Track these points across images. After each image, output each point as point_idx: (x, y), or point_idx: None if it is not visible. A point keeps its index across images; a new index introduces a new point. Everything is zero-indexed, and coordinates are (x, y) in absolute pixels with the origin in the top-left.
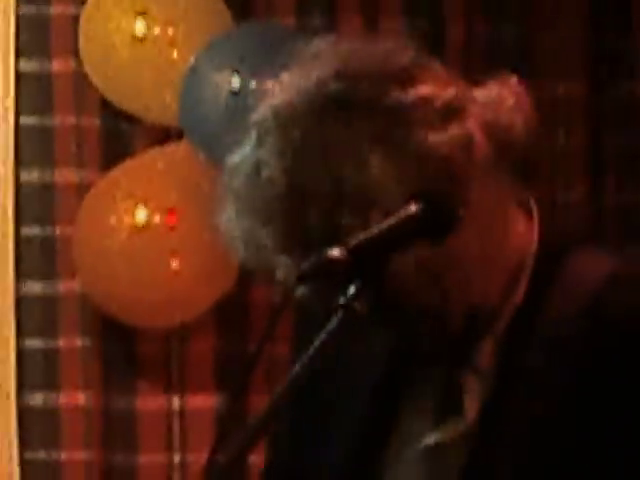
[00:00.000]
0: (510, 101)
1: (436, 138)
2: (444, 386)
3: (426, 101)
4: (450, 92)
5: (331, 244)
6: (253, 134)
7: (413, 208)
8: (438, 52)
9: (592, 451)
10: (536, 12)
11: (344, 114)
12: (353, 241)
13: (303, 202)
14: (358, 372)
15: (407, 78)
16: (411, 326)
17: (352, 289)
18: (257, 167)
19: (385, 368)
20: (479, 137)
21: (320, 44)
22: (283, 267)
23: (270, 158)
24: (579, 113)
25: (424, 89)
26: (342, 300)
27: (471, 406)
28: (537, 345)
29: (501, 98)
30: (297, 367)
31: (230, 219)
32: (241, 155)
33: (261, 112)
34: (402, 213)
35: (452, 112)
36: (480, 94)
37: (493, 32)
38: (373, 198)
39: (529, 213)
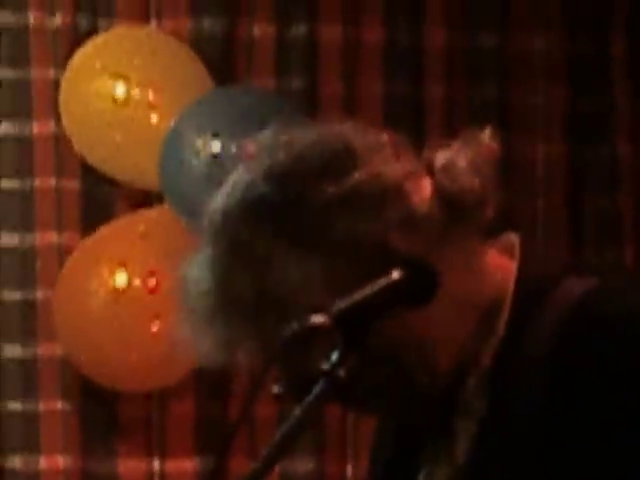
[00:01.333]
0: (466, 161)
1: (370, 226)
2: (439, 435)
3: (359, 189)
4: (390, 172)
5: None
6: (201, 240)
7: (396, 275)
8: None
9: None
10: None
11: (269, 217)
12: (336, 307)
13: (235, 311)
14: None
15: (341, 167)
16: (395, 401)
17: (335, 355)
18: (196, 279)
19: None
20: (428, 207)
21: (262, 138)
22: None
23: (204, 268)
24: (559, 172)
25: (358, 176)
26: (325, 366)
27: (461, 447)
28: (519, 377)
29: (457, 159)
30: (282, 430)
31: (187, 327)
32: (191, 264)
33: (205, 219)
34: (385, 280)
35: (389, 194)
36: (439, 158)
37: (473, 91)
38: (299, 302)
39: (511, 251)
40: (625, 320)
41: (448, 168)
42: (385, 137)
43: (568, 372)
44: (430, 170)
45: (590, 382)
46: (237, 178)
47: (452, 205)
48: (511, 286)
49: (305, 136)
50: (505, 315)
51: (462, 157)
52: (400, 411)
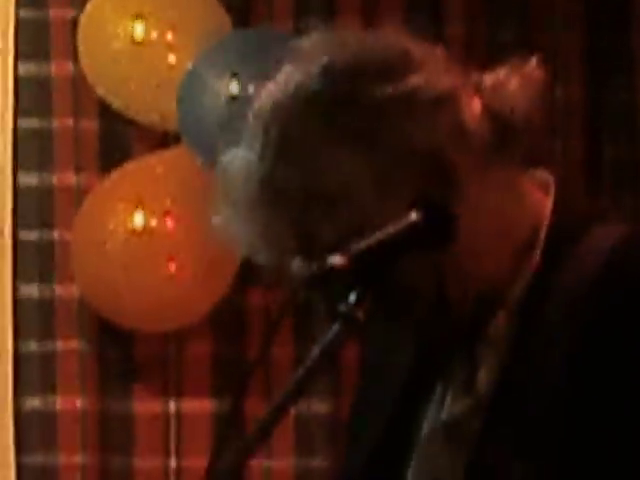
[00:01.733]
0: (516, 85)
1: (422, 132)
2: (462, 362)
3: (415, 93)
4: (445, 81)
5: (310, 245)
6: (244, 135)
7: (414, 216)
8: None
9: (603, 421)
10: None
11: (326, 111)
12: (354, 249)
13: (281, 202)
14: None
15: (398, 69)
16: (423, 319)
17: (353, 297)
18: (244, 168)
19: (413, 358)
20: (478, 124)
21: (313, 38)
22: (284, 263)
23: (255, 158)
24: (577, 116)
25: (415, 80)
26: (343, 308)
27: (485, 379)
28: (551, 313)
29: (507, 82)
30: (297, 373)
31: (225, 219)
32: (231, 156)
33: (250, 112)
34: (403, 222)
35: (443, 102)
36: (488, 79)
37: (493, 32)
38: (346, 201)
39: (545, 188)
40: None
41: (498, 89)
42: (439, 50)
43: (608, 314)
44: (479, 90)
45: (630, 326)
46: (288, 75)
47: (500, 126)
48: (546, 221)
49: (361, 38)
50: (540, 249)
51: (511, 81)
52: (427, 331)
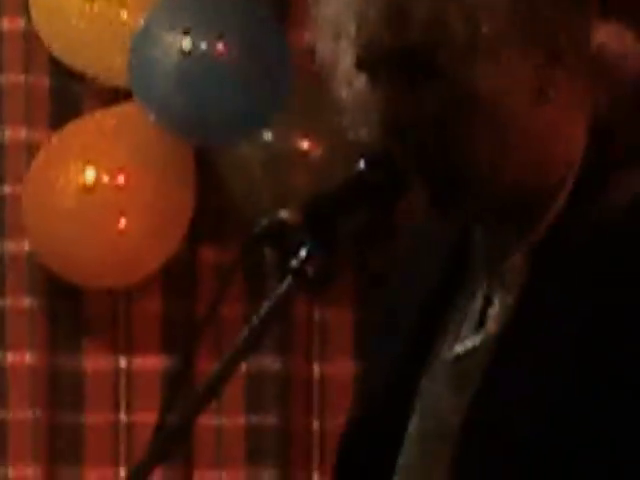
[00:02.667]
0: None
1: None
2: (481, 303)
3: None
4: None
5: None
6: None
7: (361, 165)
8: None
9: (614, 373)
10: None
11: None
12: (304, 202)
13: None
14: (414, 287)
15: None
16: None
17: (303, 252)
18: None
19: (436, 285)
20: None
21: None
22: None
23: None
24: None
25: None
26: (293, 263)
27: (497, 317)
28: (568, 262)
29: None
30: (247, 329)
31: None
32: None
33: None
34: (351, 173)
35: None
36: None
37: None
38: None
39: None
40: None
41: None
42: None
43: (627, 266)
44: None
45: None
46: None
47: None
48: (578, 163)
49: None
50: (566, 192)
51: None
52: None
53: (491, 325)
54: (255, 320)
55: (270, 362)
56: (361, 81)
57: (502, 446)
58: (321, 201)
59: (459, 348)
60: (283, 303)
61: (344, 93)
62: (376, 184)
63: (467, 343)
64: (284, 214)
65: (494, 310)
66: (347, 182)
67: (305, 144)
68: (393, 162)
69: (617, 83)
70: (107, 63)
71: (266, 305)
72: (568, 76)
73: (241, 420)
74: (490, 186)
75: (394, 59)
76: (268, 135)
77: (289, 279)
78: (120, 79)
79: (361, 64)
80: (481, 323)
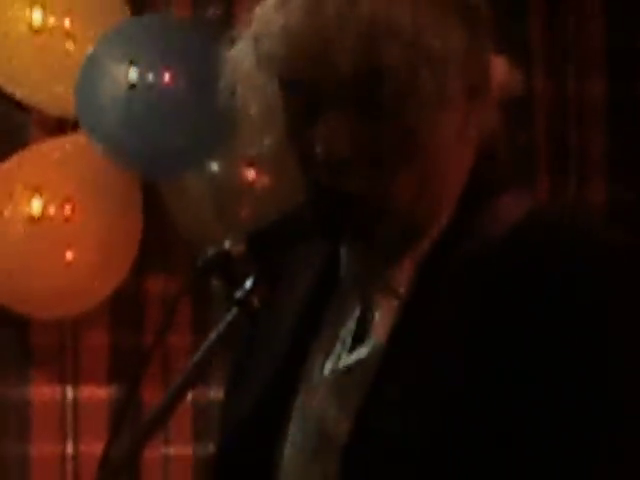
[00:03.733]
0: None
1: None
2: (358, 314)
3: None
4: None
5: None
6: None
7: (306, 199)
8: None
9: (492, 378)
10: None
11: None
12: (248, 233)
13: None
14: (289, 297)
15: None
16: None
17: (248, 283)
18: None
19: (307, 299)
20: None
21: None
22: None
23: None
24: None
25: None
26: (238, 294)
27: (382, 327)
28: (453, 273)
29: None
30: (194, 359)
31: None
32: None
33: None
34: (296, 206)
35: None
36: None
37: None
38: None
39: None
40: (575, 240)
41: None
42: None
43: (506, 279)
44: None
45: (527, 292)
46: None
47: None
48: (463, 183)
49: None
50: (450, 211)
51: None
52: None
53: (377, 336)
54: (202, 350)
55: (216, 391)
56: (292, 111)
57: (391, 454)
58: (265, 232)
59: (345, 360)
60: (228, 333)
61: (266, 120)
62: (319, 216)
63: (352, 355)
64: (229, 245)
65: (378, 322)
66: (291, 214)
67: (251, 174)
68: (334, 197)
69: (497, 110)
70: (54, 94)
71: (212, 335)
72: (481, 111)
73: (189, 450)
74: (404, 215)
75: (339, 96)
76: (214, 166)
77: (235, 309)
78: (67, 110)
79: (299, 98)
80: (360, 336)
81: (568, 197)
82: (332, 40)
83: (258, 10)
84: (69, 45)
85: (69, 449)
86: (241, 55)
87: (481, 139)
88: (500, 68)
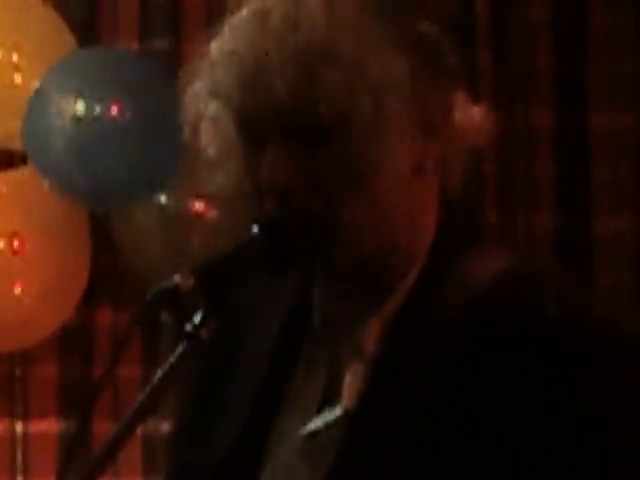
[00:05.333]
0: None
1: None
2: (327, 372)
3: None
4: None
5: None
6: None
7: (254, 231)
8: None
9: (461, 444)
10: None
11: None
12: (196, 267)
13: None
14: (250, 353)
15: None
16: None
17: (197, 317)
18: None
19: (276, 347)
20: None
21: None
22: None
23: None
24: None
25: None
26: (188, 328)
27: (352, 391)
28: (422, 333)
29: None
30: (144, 393)
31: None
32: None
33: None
34: (245, 239)
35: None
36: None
37: None
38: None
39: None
40: (563, 310)
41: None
42: None
43: (486, 340)
44: None
45: (501, 356)
46: None
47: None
48: (429, 241)
49: None
50: (417, 270)
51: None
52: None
53: (347, 400)
54: (151, 384)
55: (166, 424)
56: (237, 141)
57: None
58: (213, 266)
59: (314, 423)
60: (178, 367)
61: (216, 151)
62: (268, 249)
63: (322, 419)
64: (178, 279)
65: (347, 384)
66: (239, 247)
67: (200, 206)
68: (285, 229)
69: (464, 151)
70: (2, 127)
71: (162, 368)
72: (440, 148)
73: None
74: (360, 251)
75: (279, 122)
76: (162, 198)
77: (184, 343)
78: (15, 143)
79: (248, 129)
80: (329, 397)
81: (516, 227)
82: (271, 66)
83: (215, 38)
84: (17, 78)
85: None
86: (197, 87)
87: (448, 182)
88: (473, 115)
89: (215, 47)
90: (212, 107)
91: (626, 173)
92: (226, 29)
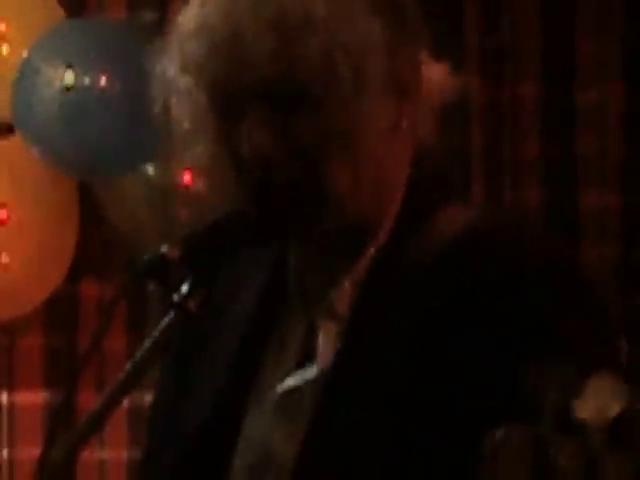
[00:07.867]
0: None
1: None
2: (303, 333)
3: None
4: None
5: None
6: None
7: (241, 206)
8: None
9: (438, 396)
10: None
11: None
12: (183, 237)
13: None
14: (231, 313)
15: None
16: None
17: (184, 287)
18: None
19: (255, 312)
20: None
21: None
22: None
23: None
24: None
25: None
26: (175, 298)
27: (326, 351)
28: (392, 289)
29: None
30: (130, 364)
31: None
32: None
33: None
34: (230, 209)
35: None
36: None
37: None
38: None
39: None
40: (514, 252)
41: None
42: None
43: (456, 286)
44: None
45: (477, 300)
46: None
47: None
48: (399, 199)
49: None
50: (387, 227)
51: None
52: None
53: (322, 359)
54: (138, 355)
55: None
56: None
57: (341, 477)
58: (199, 236)
59: (290, 381)
60: (165, 338)
61: (189, 123)
62: (253, 219)
63: (298, 376)
64: (165, 249)
65: (322, 344)
66: (225, 217)
67: (186, 177)
68: (270, 198)
69: (434, 112)
70: None
71: (149, 339)
72: (412, 108)
73: (124, 454)
74: (347, 207)
75: (257, 90)
76: (150, 169)
77: (171, 313)
78: (2, 113)
79: (224, 102)
80: (307, 354)
81: (503, 201)
82: (246, 35)
83: (181, 13)
84: (4, 48)
85: (4, 454)
86: (167, 61)
87: (418, 140)
88: (438, 73)
89: (183, 21)
90: (183, 82)
91: (612, 148)
92: (193, 2)
